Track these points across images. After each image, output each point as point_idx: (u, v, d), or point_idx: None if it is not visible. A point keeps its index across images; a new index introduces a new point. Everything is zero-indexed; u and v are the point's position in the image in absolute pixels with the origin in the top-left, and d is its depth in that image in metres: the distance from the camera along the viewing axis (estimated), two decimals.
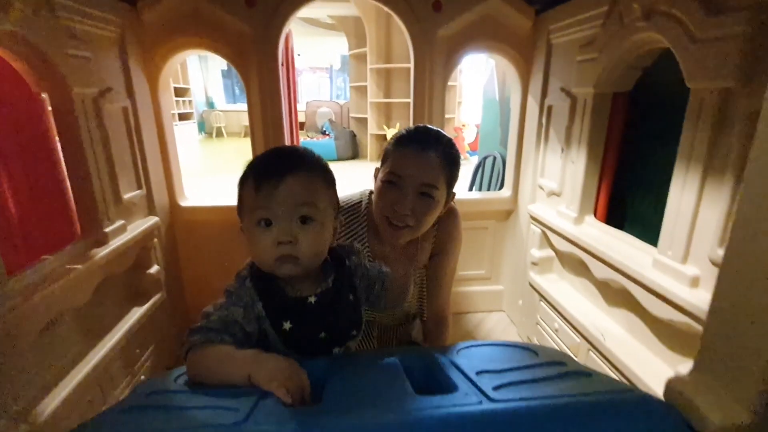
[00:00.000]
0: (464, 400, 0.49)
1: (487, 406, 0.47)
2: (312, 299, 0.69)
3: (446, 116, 1.57)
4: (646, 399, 0.48)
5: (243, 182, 0.68)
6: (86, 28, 1.13)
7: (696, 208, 0.90)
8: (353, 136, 6.63)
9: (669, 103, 1.01)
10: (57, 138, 1.11)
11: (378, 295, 0.80)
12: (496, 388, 0.52)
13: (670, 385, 0.49)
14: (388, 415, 0.46)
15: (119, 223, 1.24)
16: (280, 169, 0.65)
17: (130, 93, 1.34)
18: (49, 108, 1.09)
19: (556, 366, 0.61)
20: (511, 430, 0.43)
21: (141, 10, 1.37)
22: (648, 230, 1.09)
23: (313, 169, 0.68)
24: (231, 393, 0.54)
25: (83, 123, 1.09)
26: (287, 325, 0.67)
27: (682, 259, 0.92)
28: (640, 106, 1.21)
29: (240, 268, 0.72)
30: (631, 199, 1.27)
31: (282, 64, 1.52)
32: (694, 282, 0.88)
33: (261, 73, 1.50)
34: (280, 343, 0.68)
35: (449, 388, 0.55)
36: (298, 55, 3.82)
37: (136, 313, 1.32)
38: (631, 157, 1.25)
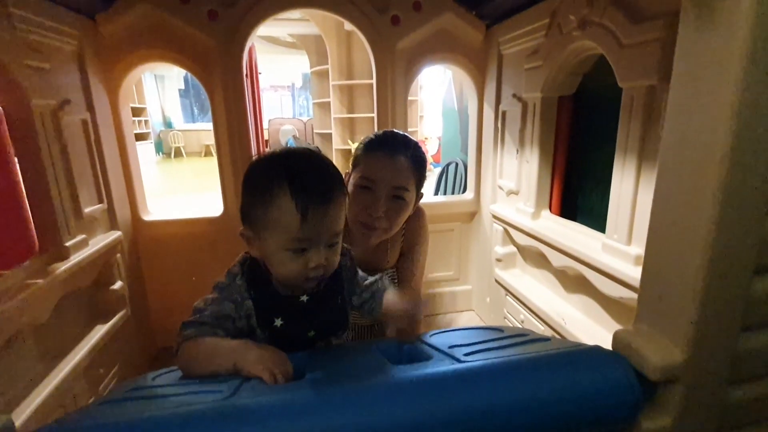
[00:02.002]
0: (438, 365, 0.53)
1: (459, 366, 0.51)
2: (304, 298, 0.70)
3: (409, 129, 1.64)
4: (597, 350, 0.54)
5: (275, 195, 0.62)
6: (44, 40, 1.11)
7: (635, 194, 1.00)
8: (318, 151, 6.66)
9: (607, 103, 1.13)
10: (12, 151, 1.08)
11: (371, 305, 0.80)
12: (467, 354, 0.57)
13: (617, 337, 0.55)
14: (369, 381, 0.50)
15: (80, 237, 1.20)
16: (326, 195, 0.63)
17: (90, 106, 1.32)
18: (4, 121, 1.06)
19: (518, 337, 0.66)
20: (482, 382, 0.47)
21: (100, 23, 1.36)
22: (597, 219, 1.19)
23: (343, 188, 0.68)
24: (214, 380, 0.55)
25: (42, 135, 1.06)
26: (278, 322, 0.68)
27: (627, 241, 1.02)
28: (583, 108, 1.33)
29: (212, 279, 0.71)
30: (581, 192, 1.38)
31: (246, 76, 1.54)
32: (638, 260, 0.97)
33: (226, 85, 1.52)
34: (268, 340, 0.68)
35: (424, 358, 0.59)
36: (260, 73, 3.82)
37: (100, 331, 1.27)
38: (579, 154, 1.36)
